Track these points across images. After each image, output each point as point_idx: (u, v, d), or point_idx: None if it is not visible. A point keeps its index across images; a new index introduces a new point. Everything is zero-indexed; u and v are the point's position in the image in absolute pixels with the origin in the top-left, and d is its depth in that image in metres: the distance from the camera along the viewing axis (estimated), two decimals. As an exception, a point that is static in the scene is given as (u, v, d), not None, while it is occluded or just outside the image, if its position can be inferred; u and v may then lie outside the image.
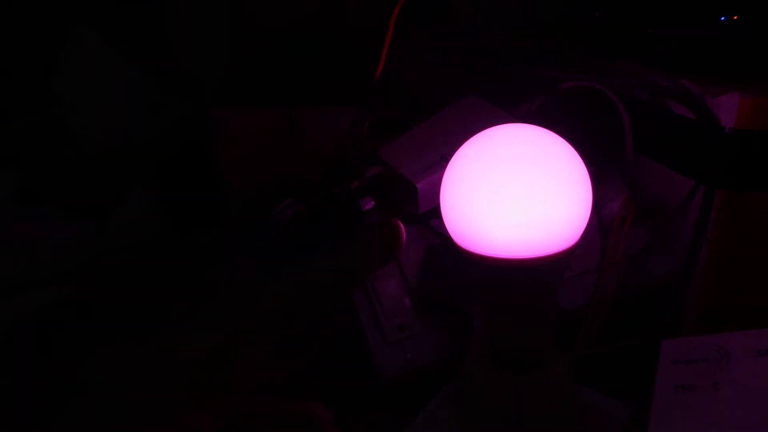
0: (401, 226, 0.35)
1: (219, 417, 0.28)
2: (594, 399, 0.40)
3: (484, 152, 0.34)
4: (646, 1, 0.51)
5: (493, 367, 0.36)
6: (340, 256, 0.33)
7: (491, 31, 0.65)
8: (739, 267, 0.45)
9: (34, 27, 0.59)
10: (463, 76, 0.63)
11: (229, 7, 0.65)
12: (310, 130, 0.61)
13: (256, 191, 0.63)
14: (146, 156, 0.64)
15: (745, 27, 0.45)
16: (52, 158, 0.60)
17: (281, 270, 0.32)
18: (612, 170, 0.48)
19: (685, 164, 0.45)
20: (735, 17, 0.45)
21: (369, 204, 0.50)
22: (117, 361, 0.36)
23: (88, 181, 0.61)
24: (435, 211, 0.42)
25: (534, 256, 0.32)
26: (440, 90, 0.62)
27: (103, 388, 0.31)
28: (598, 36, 0.56)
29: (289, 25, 0.63)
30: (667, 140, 0.47)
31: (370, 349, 0.45)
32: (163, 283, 0.58)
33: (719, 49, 0.46)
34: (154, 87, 0.64)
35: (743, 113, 0.41)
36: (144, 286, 0.57)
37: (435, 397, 0.42)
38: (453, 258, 0.36)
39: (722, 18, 0.45)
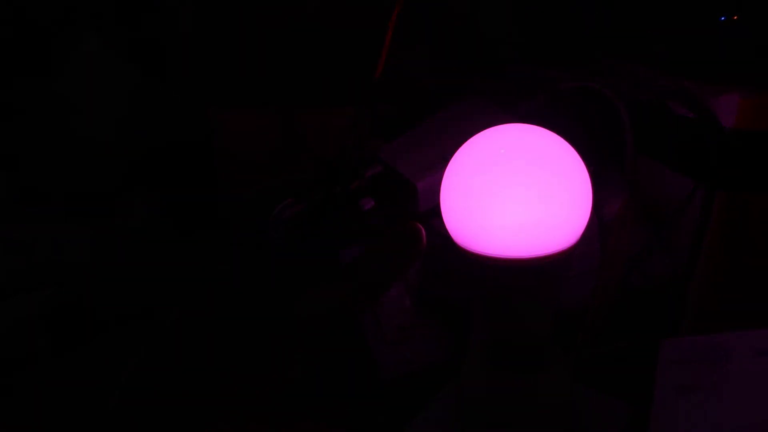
0: (422, 228, 0.35)
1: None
2: (594, 399, 0.40)
3: (484, 152, 0.34)
4: (647, 2, 0.51)
5: (493, 367, 0.36)
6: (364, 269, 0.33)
7: (490, 31, 0.65)
8: (738, 267, 0.45)
9: (34, 27, 0.59)
10: (463, 76, 0.63)
11: (229, 6, 0.65)
12: (310, 130, 0.61)
13: (256, 191, 0.63)
14: (146, 156, 0.64)
15: (745, 27, 0.45)
16: (52, 158, 0.60)
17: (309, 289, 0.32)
18: (612, 170, 0.48)
19: (685, 164, 0.45)
20: (735, 17, 0.45)
21: (369, 204, 0.50)
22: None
23: (87, 180, 0.61)
24: (435, 211, 0.42)
25: (534, 256, 0.32)
26: (441, 90, 0.62)
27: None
28: (598, 36, 0.56)
29: (289, 24, 0.63)
30: (667, 140, 0.47)
31: (370, 349, 0.45)
32: (163, 283, 0.58)
33: (719, 49, 0.46)
34: (154, 87, 0.64)
35: (743, 113, 0.41)
36: (144, 286, 0.57)
37: (435, 397, 0.42)
38: (453, 258, 0.36)
39: (722, 18, 0.45)
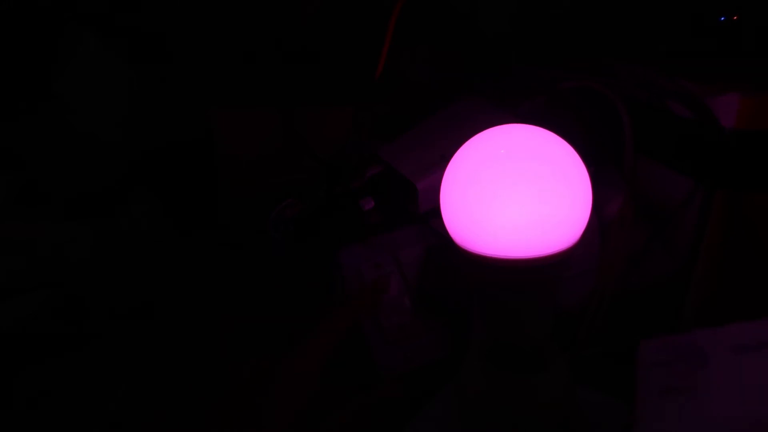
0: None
1: None
2: (594, 399, 0.40)
3: (484, 152, 0.34)
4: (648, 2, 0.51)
5: (493, 367, 0.36)
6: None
7: (491, 30, 0.66)
8: (738, 267, 0.45)
9: (34, 27, 0.59)
10: (463, 76, 0.63)
11: (230, 7, 0.65)
12: (310, 130, 0.61)
13: (256, 191, 0.63)
14: (146, 156, 0.64)
15: (745, 27, 0.45)
16: (52, 158, 0.60)
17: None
18: (612, 170, 0.48)
19: (685, 164, 0.45)
20: (735, 17, 0.45)
21: (369, 204, 0.50)
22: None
23: (88, 180, 0.61)
24: (435, 211, 0.42)
25: (533, 256, 0.32)
26: (441, 90, 0.62)
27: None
28: (599, 36, 0.56)
29: (290, 24, 0.63)
30: (667, 140, 0.47)
31: (370, 349, 0.45)
32: (162, 282, 0.58)
33: (719, 49, 0.46)
34: (155, 87, 0.64)
35: (743, 113, 0.41)
36: (144, 285, 0.57)
37: (435, 397, 0.42)
38: (453, 258, 0.36)
39: (722, 18, 0.45)
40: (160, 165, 0.64)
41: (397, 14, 0.57)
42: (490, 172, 0.32)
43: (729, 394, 0.32)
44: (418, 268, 0.47)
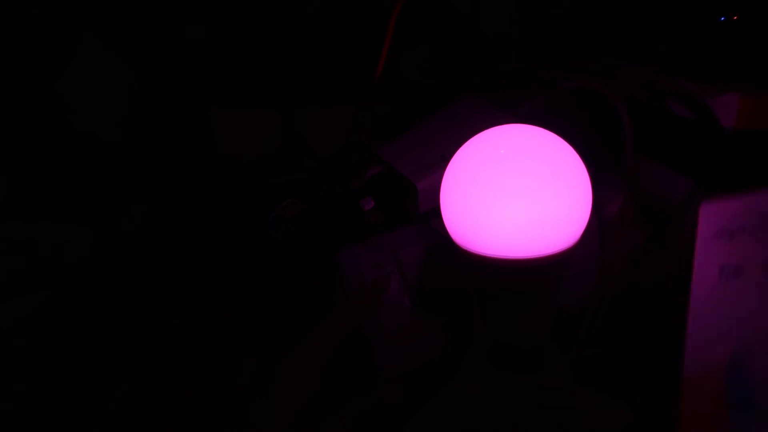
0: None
1: None
2: (594, 399, 0.40)
3: (484, 152, 0.34)
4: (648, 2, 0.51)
5: (493, 367, 0.36)
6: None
7: (491, 30, 0.65)
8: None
9: (34, 28, 0.59)
10: (463, 76, 0.63)
11: (230, 7, 0.65)
12: (310, 130, 0.61)
13: (256, 191, 0.63)
14: (146, 156, 0.64)
15: (745, 27, 0.45)
16: (52, 158, 0.60)
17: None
18: (612, 170, 0.48)
19: (685, 164, 0.45)
20: (735, 17, 0.45)
21: (369, 204, 0.50)
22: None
23: (88, 180, 0.61)
24: (435, 211, 0.42)
25: (533, 256, 0.32)
26: (441, 90, 0.62)
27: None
28: (599, 36, 0.56)
29: (290, 24, 0.63)
30: (667, 140, 0.47)
31: (370, 349, 0.45)
32: (162, 282, 0.58)
33: (719, 49, 0.46)
34: (155, 87, 0.64)
35: (743, 113, 0.41)
36: (144, 285, 0.57)
37: (435, 397, 0.42)
38: (453, 258, 0.36)
39: (722, 18, 0.45)
40: (160, 165, 0.64)
41: (397, 14, 0.57)
42: (490, 172, 0.32)
43: None
44: (418, 268, 0.47)
